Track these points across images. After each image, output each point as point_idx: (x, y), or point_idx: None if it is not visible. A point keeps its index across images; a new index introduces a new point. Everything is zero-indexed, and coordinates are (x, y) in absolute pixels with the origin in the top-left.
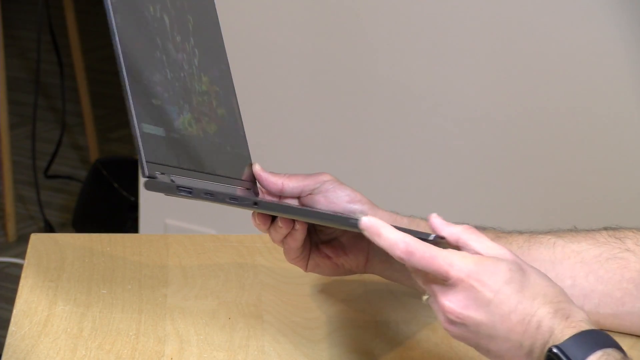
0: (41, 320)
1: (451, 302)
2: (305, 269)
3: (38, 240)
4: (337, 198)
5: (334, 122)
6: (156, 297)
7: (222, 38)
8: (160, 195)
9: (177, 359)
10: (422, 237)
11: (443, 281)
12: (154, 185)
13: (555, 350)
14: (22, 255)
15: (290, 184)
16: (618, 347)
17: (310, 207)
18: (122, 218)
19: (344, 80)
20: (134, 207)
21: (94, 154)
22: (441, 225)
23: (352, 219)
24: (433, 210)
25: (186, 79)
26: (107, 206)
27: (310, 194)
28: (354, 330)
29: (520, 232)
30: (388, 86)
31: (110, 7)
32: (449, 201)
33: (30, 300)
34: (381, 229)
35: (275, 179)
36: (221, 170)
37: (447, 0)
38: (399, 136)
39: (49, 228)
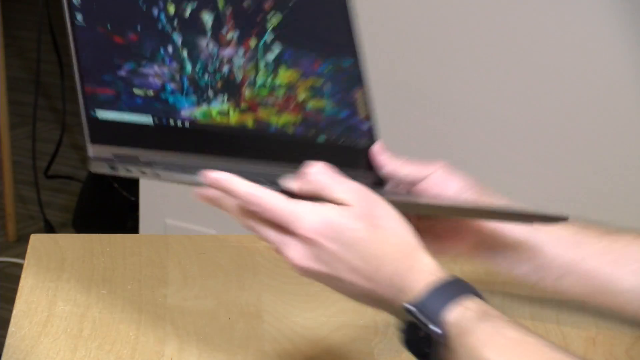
0: (41, 320)
1: (295, 257)
2: None
3: (38, 241)
4: (446, 188)
5: None
6: (156, 297)
7: (354, 33)
8: (161, 195)
9: (177, 359)
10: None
11: (286, 231)
12: (94, 164)
13: (412, 308)
14: (22, 255)
15: (403, 171)
16: (476, 294)
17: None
18: (122, 218)
19: None
20: (134, 207)
21: None
22: (293, 184)
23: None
24: None
25: (233, 73)
26: (107, 206)
27: (422, 181)
28: (354, 330)
29: (627, 229)
30: (389, 86)
31: (67, 7)
32: None
33: (30, 301)
34: (232, 183)
35: (390, 160)
36: (287, 157)
37: (451, 1)
38: (402, 137)
39: (49, 228)
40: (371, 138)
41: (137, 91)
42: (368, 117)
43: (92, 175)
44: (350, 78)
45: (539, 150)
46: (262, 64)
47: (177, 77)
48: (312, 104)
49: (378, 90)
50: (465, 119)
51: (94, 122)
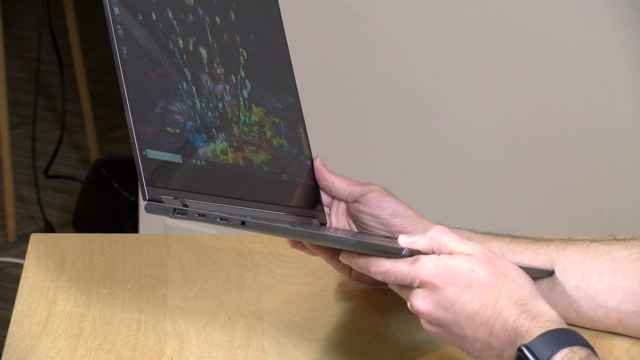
0: (41, 320)
1: (420, 304)
2: (350, 278)
3: (38, 240)
4: (380, 210)
5: (335, 125)
6: (156, 297)
7: (292, 75)
8: None
9: (177, 359)
10: (396, 252)
11: (415, 287)
12: (152, 208)
13: (523, 349)
14: (22, 255)
15: (339, 185)
16: (585, 345)
17: (300, 227)
18: (122, 218)
19: (344, 81)
20: (134, 207)
21: (94, 154)
22: (411, 243)
23: (331, 237)
24: (437, 215)
25: (226, 110)
26: (107, 206)
27: (356, 201)
28: (354, 330)
29: (562, 238)
30: (390, 87)
31: (115, 38)
32: (453, 205)
33: (30, 300)
34: (352, 263)
35: (328, 175)
36: (266, 197)
37: (452, 1)
38: (402, 139)
39: (49, 228)
40: (314, 176)
41: (169, 129)
42: (309, 155)
43: (92, 175)
44: (295, 116)
45: (536, 151)
46: (241, 101)
47: (193, 114)
48: (275, 142)
49: (377, 91)
50: (463, 120)
51: (147, 162)
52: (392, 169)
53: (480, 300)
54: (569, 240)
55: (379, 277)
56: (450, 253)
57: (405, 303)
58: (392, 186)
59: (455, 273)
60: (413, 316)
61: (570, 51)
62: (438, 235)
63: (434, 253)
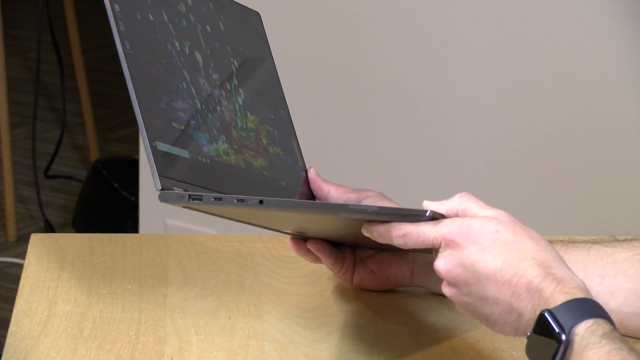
0: (41, 320)
1: (440, 263)
2: (352, 284)
3: (38, 240)
4: None
5: (335, 125)
6: (156, 297)
7: (281, 89)
8: None
9: (177, 359)
10: (418, 214)
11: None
12: (167, 196)
13: (546, 314)
14: (22, 255)
15: (334, 194)
16: (609, 320)
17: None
18: (122, 218)
19: (344, 81)
20: (134, 207)
21: (94, 154)
22: (437, 207)
23: (353, 207)
24: None
25: (224, 113)
26: (107, 206)
27: None
28: (354, 330)
29: (563, 240)
30: (389, 88)
31: (117, 33)
32: None
33: (30, 300)
34: (372, 232)
35: (323, 184)
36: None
37: (451, 1)
38: (401, 139)
39: (49, 228)
40: (309, 186)
41: (175, 125)
42: (303, 166)
43: (92, 175)
44: (287, 127)
45: (536, 151)
46: (237, 107)
47: (194, 113)
48: (271, 150)
49: (376, 93)
50: (463, 121)
51: (158, 153)
52: (391, 172)
53: (503, 259)
54: (570, 242)
55: (400, 242)
56: (474, 215)
57: (405, 303)
58: (389, 190)
59: (478, 233)
60: (413, 316)
61: (569, 52)
62: (464, 199)
63: (458, 217)
